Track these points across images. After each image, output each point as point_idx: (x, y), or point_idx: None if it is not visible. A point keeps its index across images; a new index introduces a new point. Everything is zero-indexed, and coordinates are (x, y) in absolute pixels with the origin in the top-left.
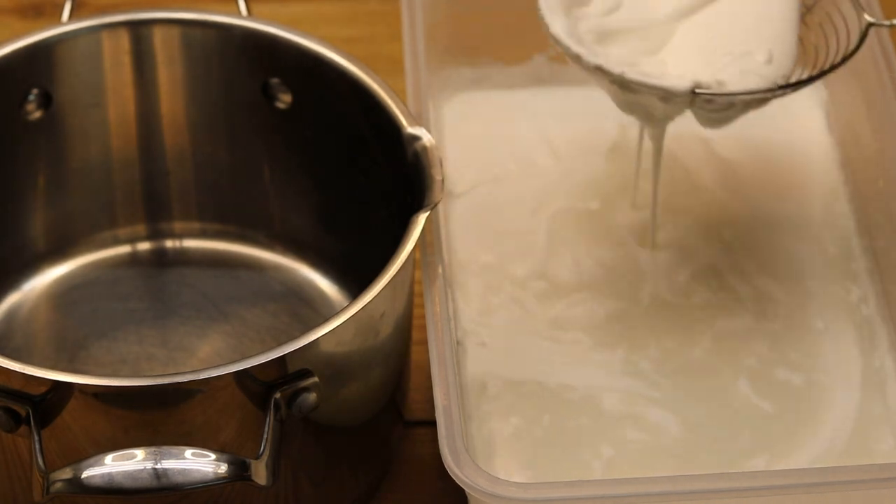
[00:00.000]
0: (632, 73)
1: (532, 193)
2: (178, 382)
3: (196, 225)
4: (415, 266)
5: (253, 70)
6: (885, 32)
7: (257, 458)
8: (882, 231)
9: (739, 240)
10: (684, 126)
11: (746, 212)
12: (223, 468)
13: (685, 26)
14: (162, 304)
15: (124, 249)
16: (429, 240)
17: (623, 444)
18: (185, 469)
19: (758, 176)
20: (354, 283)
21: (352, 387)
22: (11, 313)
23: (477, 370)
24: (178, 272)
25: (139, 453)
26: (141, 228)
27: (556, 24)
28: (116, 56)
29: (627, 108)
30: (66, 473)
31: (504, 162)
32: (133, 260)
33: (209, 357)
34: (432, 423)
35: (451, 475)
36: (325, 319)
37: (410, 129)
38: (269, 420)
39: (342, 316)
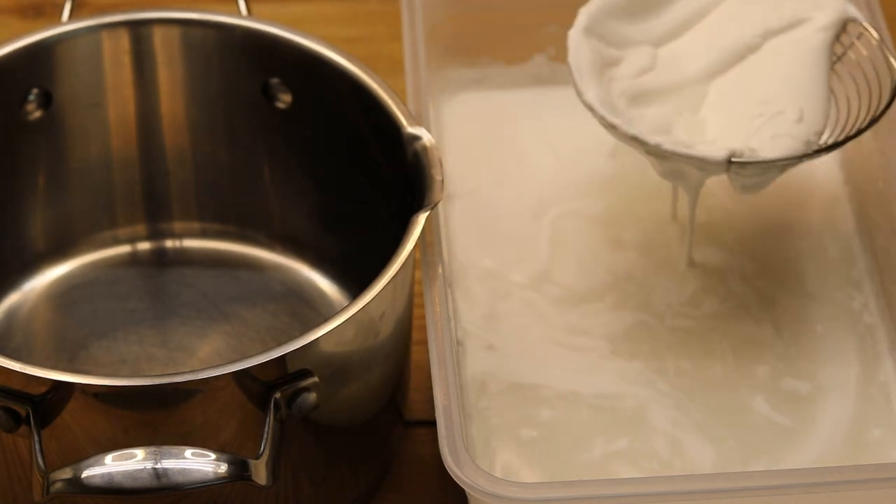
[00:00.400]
0: (668, 144)
1: (533, 194)
2: (178, 382)
3: (196, 225)
4: (415, 266)
5: (253, 70)
6: (883, 28)
7: (257, 458)
8: (882, 231)
9: (741, 242)
10: None
11: (747, 213)
12: (223, 468)
13: (718, 84)
14: (162, 304)
15: (124, 249)
16: (429, 240)
17: (625, 444)
18: (185, 469)
19: None
20: (354, 283)
21: (352, 387)
22: (11, 313)
23: (479, 371)
24: (178, 272)
25: (139, 453)
26: (141, 228)
27: (590, 93)
28: (116, 56)
29: (664, 173)
30: (66, 473)
31: (504, 162)
32: (133, 260)
33: (209, 357)
34: (432, 423)
35: (451, 475)
36: (325, 319)
37: (410, 129)
38: (269, 420)
39: (342, 316)
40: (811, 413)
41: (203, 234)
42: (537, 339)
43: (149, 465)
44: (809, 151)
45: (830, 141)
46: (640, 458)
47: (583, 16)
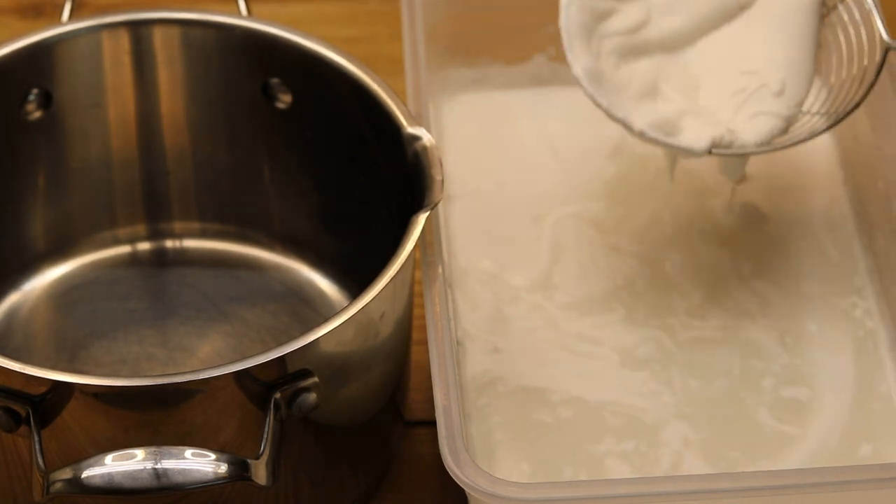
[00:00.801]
0: (651, 133)
1: (533, 195)
2: (178, 382)
3: (196, 225)
4: (415, 266)
5: (253, 70)
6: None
7: (257, 458)
8: (882, 231)
9: (741, 242)
10: None
11: (747, 213)
12: (223, 468)
13: (709, 41)
14: (162, 304)
15: (124, 249)
16: (429, 240)
17: (626, 446)
18: (185, 469)
19: (758, 176)
20: (354, 283)
21: (352, 387)
22: (11, 313)
23: (480, 371)
24: (178, 272)
25: (139, 453)
26: (141, 228)
27: (578, 65)
28: (116, 56)
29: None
30: (66, 473)
31: (504, 162)
32: (133, 260)
33: (209, 357)
34: (432, 423)
35: (451, 475)
36: (325, 319)
37: (410, 129)
38: (269, 420)
39: (342, 316)
40: (814, 420)
41: (203, 234)
42: (540, 342)
43: (149, 465)
44: (788, 143)
45: (815, 109)
46: (644, 464)
47: None
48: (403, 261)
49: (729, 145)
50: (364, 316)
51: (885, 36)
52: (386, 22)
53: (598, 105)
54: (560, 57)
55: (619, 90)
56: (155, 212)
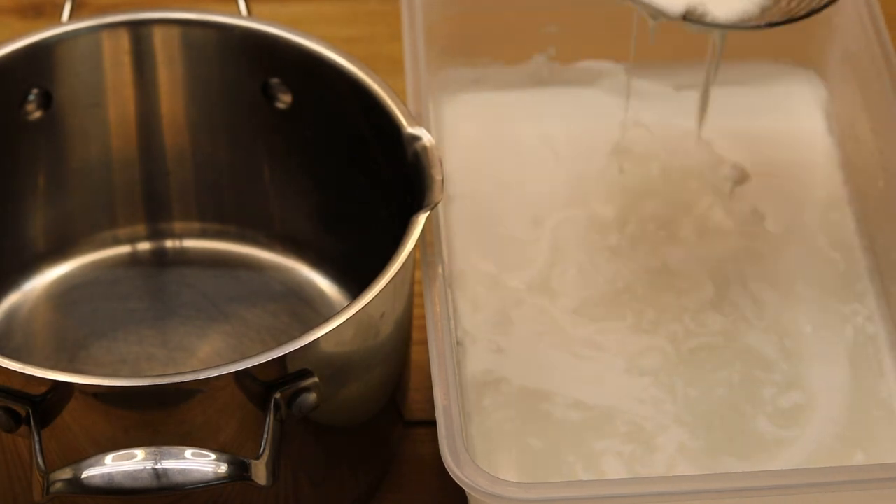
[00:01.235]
0: None
1: (533, 196)
2: (178, 382)
3: (196, 225)
4: (415, 266)
5: (253, 70)
6: (883, 29)
7: (257, 458)
8: (882, 231)
9: (741, 243)
10: (684, 125)
11: (746, 213)
12: (223, 468)
13: None
14: (162, 304)
15: (124, 249)
16: (429, 240)
17: (626, 447)
18: (185, 469)
19: (758, 177)
20: (354, 283)
21: (352, 387)
22: (11, 313)
23: (482, 372)
24: (178, 272)
25: (139, 453)
26: (141, 228)
27: None
28: (116, 56)
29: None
30: (66, 473)
31: (504, 162)
32: (133, 260)
33: (209, 357)
34: (432, 423)
35: (451, 475)
36: (325, 319)
37: (410, 129)
38: (269, 420)
39: (342, 316)
40: (812, 427)
41: (203, 234)
42: (541, 344)
43: (149, 465)
44: (762, 23)
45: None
46: (641, 468)
47: None
48: (403, 261)
49: (701, 17)
50: (364, 316)
51: None
52: (386, 22)
53: None
54: (560, 57)
55: None
56: (155, 212)
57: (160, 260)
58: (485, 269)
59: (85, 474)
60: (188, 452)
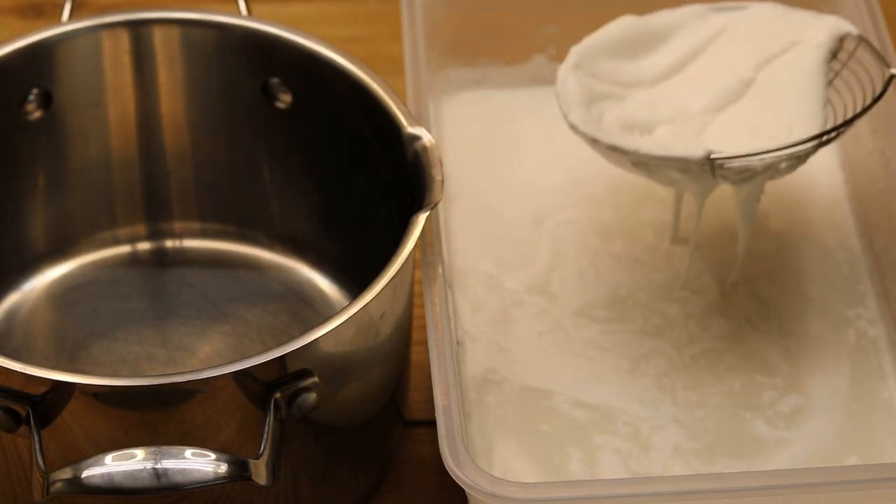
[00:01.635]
0: (645, 148)
1: (533, 196)
2: (178, 382)
3: (196, 225)
4: (415, 266)
5: (253, 70)
6: (883, 29)
7: (257, 458)
8: (882, 231)
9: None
10: None
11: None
12: (223, 468)
13: (717, 121)
14: (162, 304)
15: (124, 249)
16: (429, 240)
17: (625, 446)
18: (185, 469)
19: None
20: (354, 283)
21: (352, 387)
22: (11, 313)
23: (482, 372)
24: (178, 272)
25: (139, 453)
26: (141, 228)
27: (574, 114)
28: (116, 56)
29: (664, 183)
30: (66, 473)
31: (504, 162)
32: (133, 260)
33: (209, 357)
34: (432, 423)
35: (451, 475)
36: (325, 319)
37: (410, 129)
38: (269, 420)
39: (342, 316)
40: (811, 431)
41: (203, 234)
42: (540, 345)
43: (149, 465)
44: (789, 143)
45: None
46: (639, 468)
47: (573, 55)
48: (403, 261)
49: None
50: (364, 316)
51: (892, 70)
52: (386, 22)
53: (593, 139)
54: (560, 57)
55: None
56: (155, 212)
57: (160, 260)
58: (485, 270)
59: (85, 474)
60: (188, 452)
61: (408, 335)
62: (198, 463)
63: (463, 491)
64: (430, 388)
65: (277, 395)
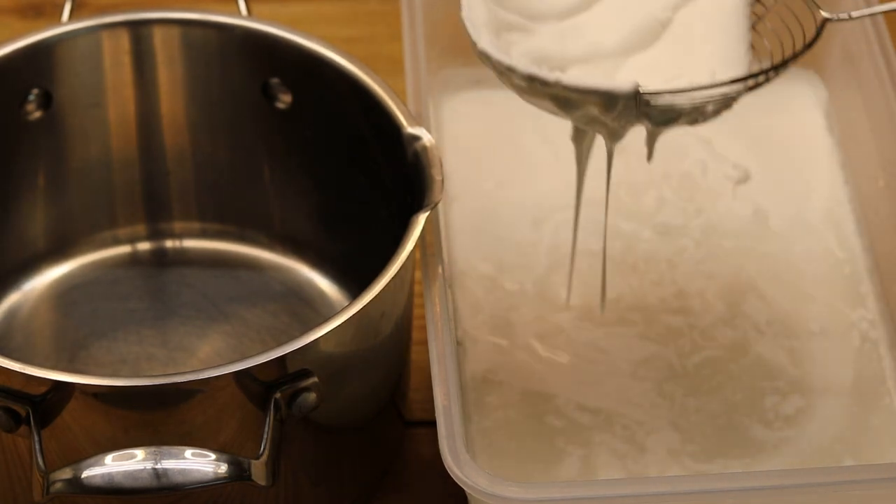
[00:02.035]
0: (568, 79)
1: (533, 197)
2: (178, 382)
3: (196, 225)
4: (415, 266)
5: (253, 70)
6: (883, 30)
7: (257, 458)
8: (882, 231)
9: (743, 244)
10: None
11: (746, 213)
12: (223, 468)
13: (630, 63)
14: (162, 304)
15: (124, 249)
16: (429, 240)
17: (625, 450)
18: (185, 469)
19: (758, 177)
20: (354, 283)
21: (352, 387)
22: (11, 313)
23: (482, 373)
24: (178, 272)
25: (139, 453)
26: (141, 228)
27: (484, 40)
28: (116, 56)
29: (578, 121)
30: (66, 473)
31: (504, 162)
32: (133, 260)
33: (209, 357)
34: (432, 423)
35: (451, 475)
36: (325, 319)
37: (410, 129)
38: (269, 420)
39: (342, 316)
40: (811, 433)
41: (203, 234)
42: (540, 346)
43: (149, 465)
44: (719, 82)
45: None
46: (637, 469)
47: None
48: (403, 261)
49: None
50: (364, 316)
51: (822, 13)
52: (386, 22)
53: (508, 68)
54: None
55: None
56: (155, 212)
57: (160, 260)
58: (485, 270)
59: (85, 474)
60: (188, 452)
61: (408, 335)
62: (198, 463)
63: (463, 491)
64: (430, 389)
65: (277, 395)
